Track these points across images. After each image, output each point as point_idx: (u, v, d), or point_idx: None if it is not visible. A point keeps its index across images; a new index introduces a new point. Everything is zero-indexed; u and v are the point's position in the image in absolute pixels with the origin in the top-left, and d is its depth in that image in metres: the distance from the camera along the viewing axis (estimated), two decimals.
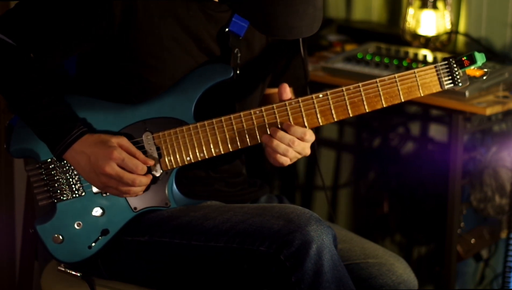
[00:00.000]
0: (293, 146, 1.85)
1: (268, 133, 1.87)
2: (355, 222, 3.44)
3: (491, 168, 2.76)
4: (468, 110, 2.55)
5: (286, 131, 1.85)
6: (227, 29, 1.94)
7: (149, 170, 1.88)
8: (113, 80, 1.92)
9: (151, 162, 1.87)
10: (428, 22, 2.89)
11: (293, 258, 1.76)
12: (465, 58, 1.86)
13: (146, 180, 1.86)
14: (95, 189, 1.90)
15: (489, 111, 2.52)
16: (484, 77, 1.89)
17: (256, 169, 3.31)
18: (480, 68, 1.88)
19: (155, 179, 1.90)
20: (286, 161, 1.87)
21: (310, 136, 1.87)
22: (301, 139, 1.85)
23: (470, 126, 2.63)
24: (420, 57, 2.76)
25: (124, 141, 1.86)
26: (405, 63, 2.73)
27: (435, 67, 1.87)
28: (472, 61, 1.86)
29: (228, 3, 1.88)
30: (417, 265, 3.22)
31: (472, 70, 1.88)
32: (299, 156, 1.88)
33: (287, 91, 1.87)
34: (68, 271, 1.97)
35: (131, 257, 1.93)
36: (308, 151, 1.88)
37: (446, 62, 1.87)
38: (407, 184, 3.17)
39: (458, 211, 2.70)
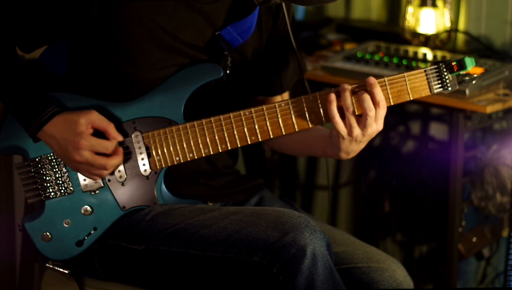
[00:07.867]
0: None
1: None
2: (355, 221, 3.43)
3: (492, 166, 2.75)
4: (469, 108, 2.54)
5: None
6: (217, 33, 1.93)
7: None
8: (99, 76, 1.91)
9: (121, 138, 1.86)
10: (428, 21, 2.89)
11: (285, 271, 1.74)
12: (455, 63, 1.86)
13: (118, 160, 1.86)
14: (84, 188, 1.90)
15: (489, 109, 2.51)
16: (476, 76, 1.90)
17: (256, 169, 3.30)
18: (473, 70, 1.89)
19: (144, 179, 1.90)
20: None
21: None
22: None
23: (470, 124, 2.62)
24: (420, 55, 2.75)
25: (93, 116, 1.84)
26: (404, 62, 2.73)
27: (425, 71, 1.87)
28: (462, 67, 1.86)
29: None
30: (418, 264, 3.21)
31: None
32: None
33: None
34: (56, 268, 1.98)
35: (129, 265, 1.92)
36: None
37: (436, 66, 1.87)
38: (408, 183, 3.17)
39: (459, 210, 2.70)
